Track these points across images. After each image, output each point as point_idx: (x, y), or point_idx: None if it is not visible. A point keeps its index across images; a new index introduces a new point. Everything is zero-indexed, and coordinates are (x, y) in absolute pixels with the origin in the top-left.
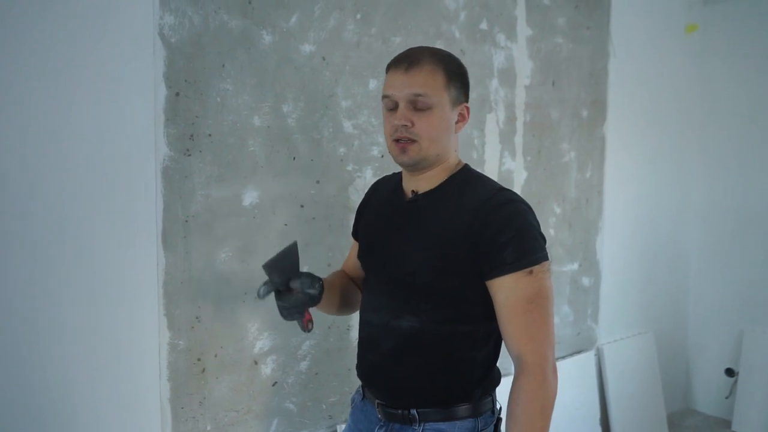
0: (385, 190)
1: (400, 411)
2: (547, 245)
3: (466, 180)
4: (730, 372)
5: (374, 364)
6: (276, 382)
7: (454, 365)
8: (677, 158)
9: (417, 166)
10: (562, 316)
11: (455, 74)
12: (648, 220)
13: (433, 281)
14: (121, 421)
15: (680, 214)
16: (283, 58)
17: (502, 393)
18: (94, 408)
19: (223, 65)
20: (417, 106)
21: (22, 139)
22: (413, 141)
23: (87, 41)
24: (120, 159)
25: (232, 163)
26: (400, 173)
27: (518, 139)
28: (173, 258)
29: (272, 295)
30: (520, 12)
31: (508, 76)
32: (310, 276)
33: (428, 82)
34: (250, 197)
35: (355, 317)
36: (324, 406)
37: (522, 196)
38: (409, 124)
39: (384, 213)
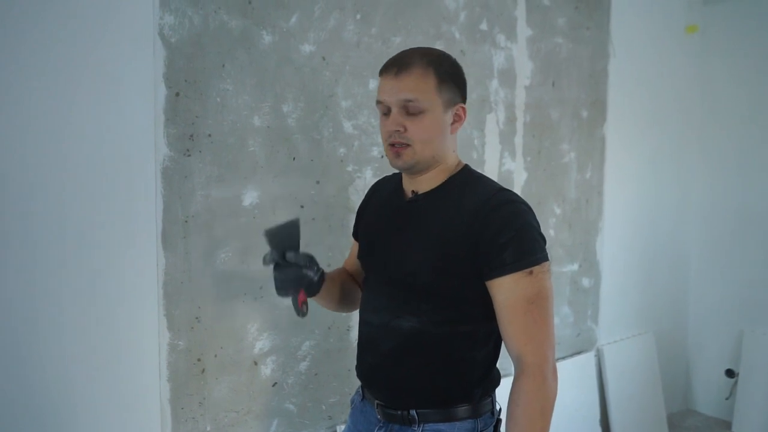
0: (386, 191)
1: (399, 412)
2: (547, 246)
3: (466, 180)
4: (730, 373)
5: (374, 365)
6: (276, 383)
7: (454, 365)
8: (677, 158)
9: (412, 170)
10: (562, 316)
11: (448, 75)
12: (648, 220)
13: (433, 281)
14: (121, 421)
15: (680, 214)
16: (283, 58)
17: (502, 394)
18: (94, 408)
19: (223, 65)
20: (409, 110)
21: (22, 139)
22: (407, 145)
23: (87, 41)
24: (120, 159)
25: (232, 163)
26: (400, 174)
27: (518, 140)
28: (173, 258)
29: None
30: (520, 12)
31: (508, 77)
32: (310, 257)
33: (419, 87)
34: (250, 197)
35: (355, 318)
36: (324, 407)
37: (522, 196)
38: (402, 129)
39: (384, 213)
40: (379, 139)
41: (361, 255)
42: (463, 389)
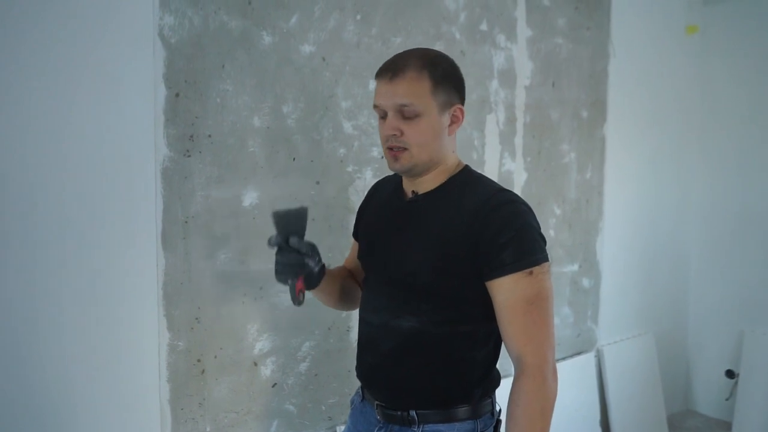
0: (386, 191)
1: (399, 412)
2: (547, 246)
3: (466, 181)
4: (730, 373)
5: (374, 365)
6: (276, 384)
7: (454, 365)
8: (677, 159)
9: (411, 173)
10: (562, 317)
11: (444, 77)
12: (648, 220)
13: (433, 281)
14: (120, 421)
15: (680, 214)
16: (283, 59)
17: (502, 395)
18: (93, 408)
19: (223, 66)
20: (405, 114)
21: (22, 139)
22: (404, 149)
23: (87, 41)
24: (120, 159)
25: (232, 163)
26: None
27: (518, 140)
28: (173, 259)
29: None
30: (520, 13)
31: (508, 77)
32: (313, 247)
33: (413, 91)
34: (249, 198)
35: (355, 318)
36: (324, 408)
37: (522, 197)
38: (398, 133)
39: (384, 213)
40: (379, 140)
41: (361, 255)
42: (463, 389)
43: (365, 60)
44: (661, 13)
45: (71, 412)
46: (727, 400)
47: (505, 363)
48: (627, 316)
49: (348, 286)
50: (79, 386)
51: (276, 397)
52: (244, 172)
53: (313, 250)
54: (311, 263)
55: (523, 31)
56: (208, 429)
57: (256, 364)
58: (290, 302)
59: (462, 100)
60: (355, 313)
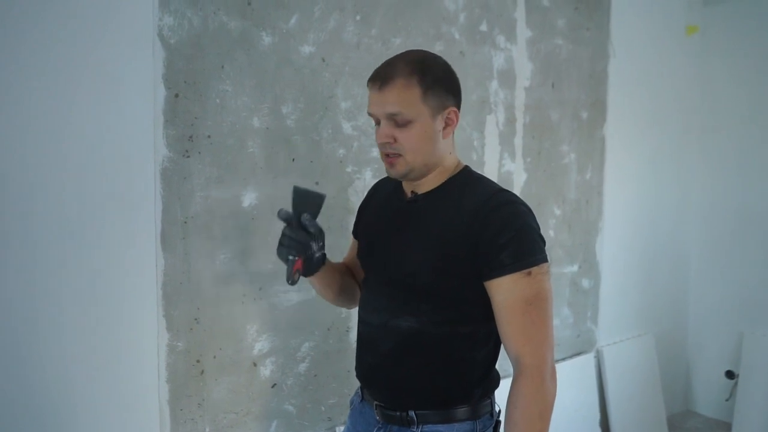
0: (386, 191)
1: (398, 413)
2: (547, 247)
3: (466, 181)
4: (730, 374)
5: (373, 365)
6: (275, 384)
7: (454, 365)
8: (677, 159)
9: (407, 177)
10: (562, 318)
11: (435, 82)
12: (648, 221)
13: (432, 282)
14: (120, 422)
15: (680, 214)
16: (283, 60)
17: (502, 395)
18: (93, 409)
19: (223, 66)
20: (397, 122)
21: (22, 139)
22: (399, 155)
23: (87, 41)
24: (119, 160)
25: (232, 164)
26: None
27: (518, 141)
28: (172, 259)
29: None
30: (520, 13)
31: (507, 78)
32: (321, 232)
33: (403, 99)
34: (249, 198)
35: (354, 319)
36: (323, 408)
37: (522, 197)
38: (392, 141)
39: (384, 214)
40: None
41: (361, 255)
42: (463, 389)
43: (365, 60)
44: (661, 14)
45: (71, 412)
46: (726, 400)
47: (504, 363)
48: (627, 317)
49: (347, 283)
50: (78, 386)
51: (275, 397)
52: (244, 173)
53: (320, 235)
54: (314, 247)
55: (523, 31)
56: (207, 429)
57: (255, 365)
58: (290, 302)
59: (456, 102)
60: (355, 314)
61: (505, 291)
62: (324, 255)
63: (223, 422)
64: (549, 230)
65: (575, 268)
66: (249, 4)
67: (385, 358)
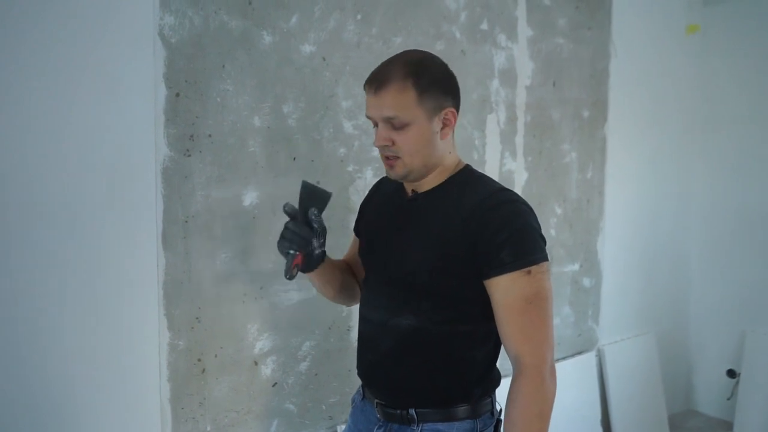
0: (388, 189)
1: (398, 411)
2: (548, 246)
3: (467, 180)
4: (731, 373)
5: (374, 363)
6: (276, 383)
7: (454, 364)
8: (678, 158)
9: (407, 179)
10: (563, 317)
11: (431, 83)
12: (649, 220)
13: (432, 281)
14: (121, 421)
15: (681, 214)
16: (284, 59)
17: (502, 394)
18: (94, 408)
19: (224, 66)
20: (394, 125)
21: (23, 139)
22: (397, 157)
23: (87, 41)
24: (120, 159)
25: (232, 163)
26: None
27: (519, 140)
28: (173, 258)
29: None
30: (521, 12)
31: (508, 77)
32: (325, 230)
33: (398, 103)
34: (250, 198)
35: (355, 318)
36: (324, 407)
37: (523, 196)
38: (389, 143)
39: (385, 212)
40: None
41: (362, 253)
42: (463, 388)
43: (366, 60)
44: (661, 13)
45: (72, 412)
46: (728, 399)
47: (505, 362)
48: (628, 316)
49: (347, 281)
50: (79, 386)
51: (276, 396)
52: (245, 172)
53: (323, 232)
54: (315, 243)
55: (524, 30)
56: (208, 428)
57: (256, 364)
58: (291, 301)
59: (454, 103)
60: (355, 313)
61: (504, 290)
62: (324, 252)
63: (224, 421)
64: (550, 229)
65: (576, 267)
66: (250, 3)
67: (385, 356)
